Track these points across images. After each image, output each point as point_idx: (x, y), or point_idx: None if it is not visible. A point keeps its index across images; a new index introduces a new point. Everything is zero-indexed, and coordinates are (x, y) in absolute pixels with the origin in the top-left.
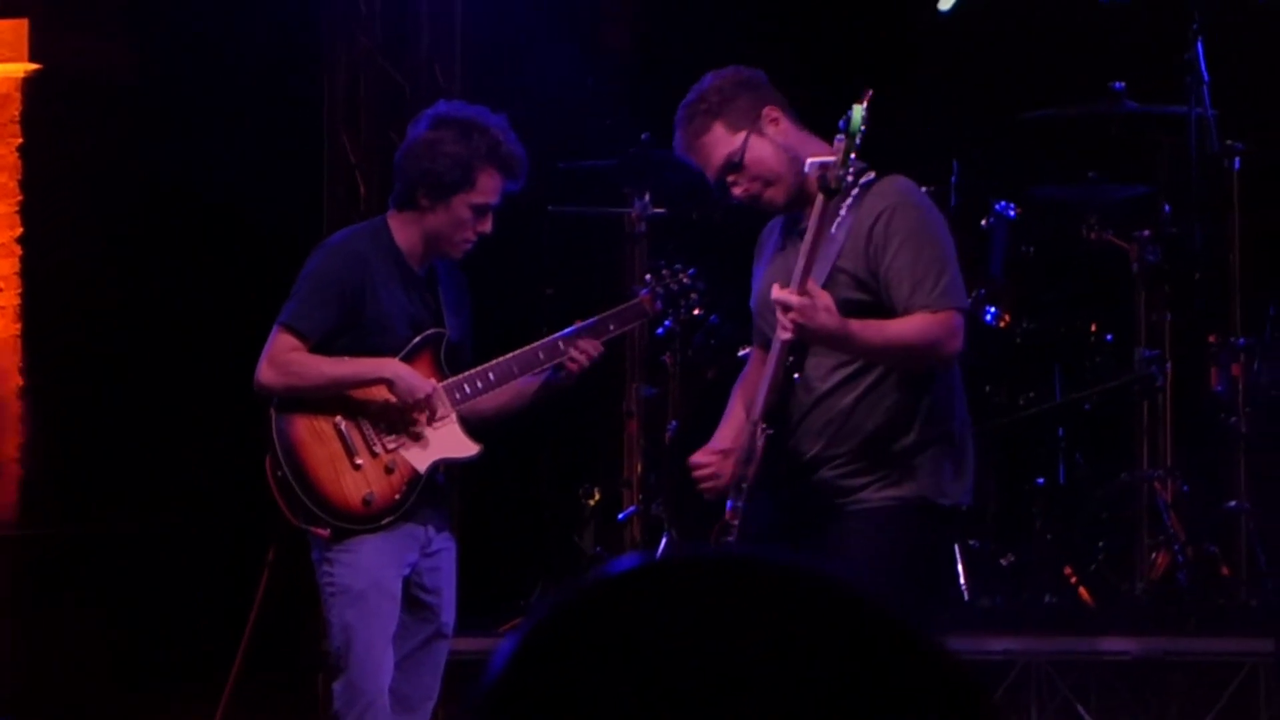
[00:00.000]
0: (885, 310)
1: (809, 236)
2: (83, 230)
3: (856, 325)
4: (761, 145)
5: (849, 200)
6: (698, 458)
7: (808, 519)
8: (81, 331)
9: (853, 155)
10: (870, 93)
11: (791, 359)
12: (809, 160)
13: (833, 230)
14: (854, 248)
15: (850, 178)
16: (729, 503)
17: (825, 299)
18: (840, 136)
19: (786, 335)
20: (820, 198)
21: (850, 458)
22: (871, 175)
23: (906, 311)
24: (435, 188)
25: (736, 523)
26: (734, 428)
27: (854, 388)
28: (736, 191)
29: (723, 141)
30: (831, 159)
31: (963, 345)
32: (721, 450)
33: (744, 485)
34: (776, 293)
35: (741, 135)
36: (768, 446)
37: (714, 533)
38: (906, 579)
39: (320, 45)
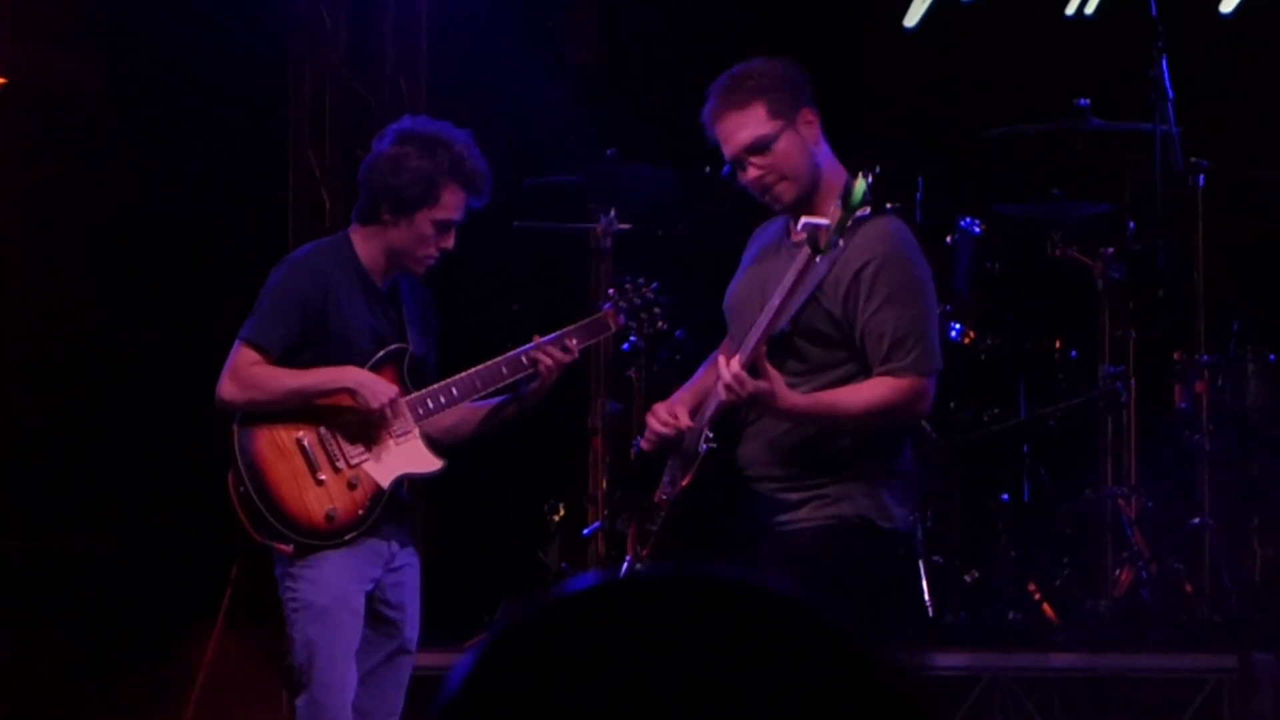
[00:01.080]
0: (851, 346)
1: (786, 284)
2: (46, 243)
3: (820, 407)
4: (793, 140)
5: (858, 215)
6: (663, 408)
7: (745, 530)
8: (45, 346)
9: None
10: (877, 169)
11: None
12: (803, 220)
13: (817, 260)
14: (835, 284)
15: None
16: (662, 488)
17: (777, 384)
18: (838, 205)
19: (724, 399)
20: (806, 251)
21: (793, 475)
22: (868, 210)
23: (878, 367)
24: (399, 203)
25: (664, 513)
26: (697, 393)
27: None
28: (752, 173)
29: (759, 122)
30: (826, 222)
31: (929, 407)
32: (684, 422)
33: (678, 483)
34: (730, 371)
35: (779, 123)
36: (707, 456)
37: (636, 515)
38: (846, 597)
39: (286, 60)
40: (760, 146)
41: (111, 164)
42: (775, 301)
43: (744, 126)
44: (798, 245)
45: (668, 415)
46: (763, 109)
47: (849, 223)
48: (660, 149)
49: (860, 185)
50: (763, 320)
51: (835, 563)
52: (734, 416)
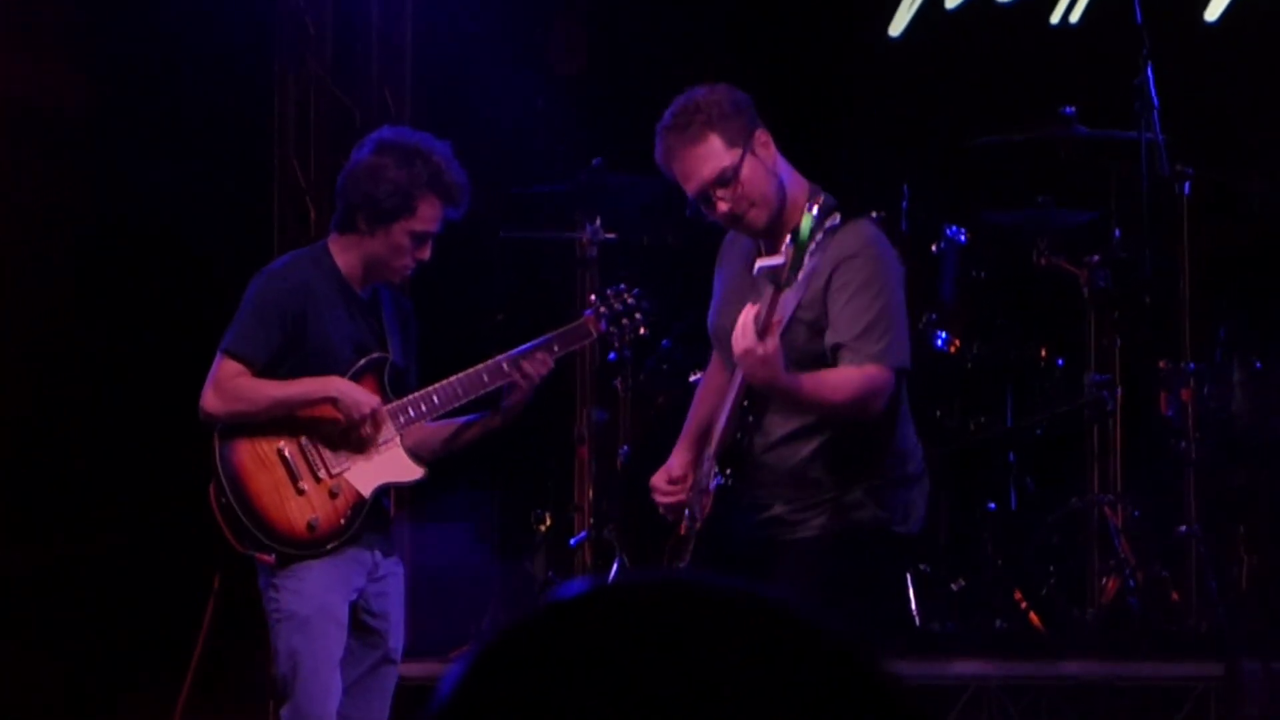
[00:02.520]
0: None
1: (765, 304)
2: (32, 254)
3: (807, 391)
4: (755, 165)
5: (812, 246)
6: (659, 481)
7: (761, 549)
8: (26, 356)
9: (804, 259)
10: (820, 199)
11: (746, 402)
12: (758, 264)
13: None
14: (814, 294)
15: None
16: (684, 522)
17: (767, 350)
18: (789, 244)
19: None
20: (770, 288)
21: (807, 493)
22: (837, 219)
23: (845, 355)
24: (376, 214)
25: (690, 546)
26: (691, 443)
27: (812, 438)
28: (722, 207)
29: (718, 154)
30: (780, 261)
31: (886, 404)
32: (682, 477)
33: (698, 512)
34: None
35: (737, 152)
36: (719, 493)
37: (666, 550)
38: (856, 603)
39: (270, 69)
40: (725, 179)
41: (97, 174)
42: (764, 309)
43: (704, 162)
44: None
45: (668, 485)
46: (718, 140)
47: (805, 256)
48: (646, 158)
49: (807, 221)
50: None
51: (849, 569)
52: (739, 449)
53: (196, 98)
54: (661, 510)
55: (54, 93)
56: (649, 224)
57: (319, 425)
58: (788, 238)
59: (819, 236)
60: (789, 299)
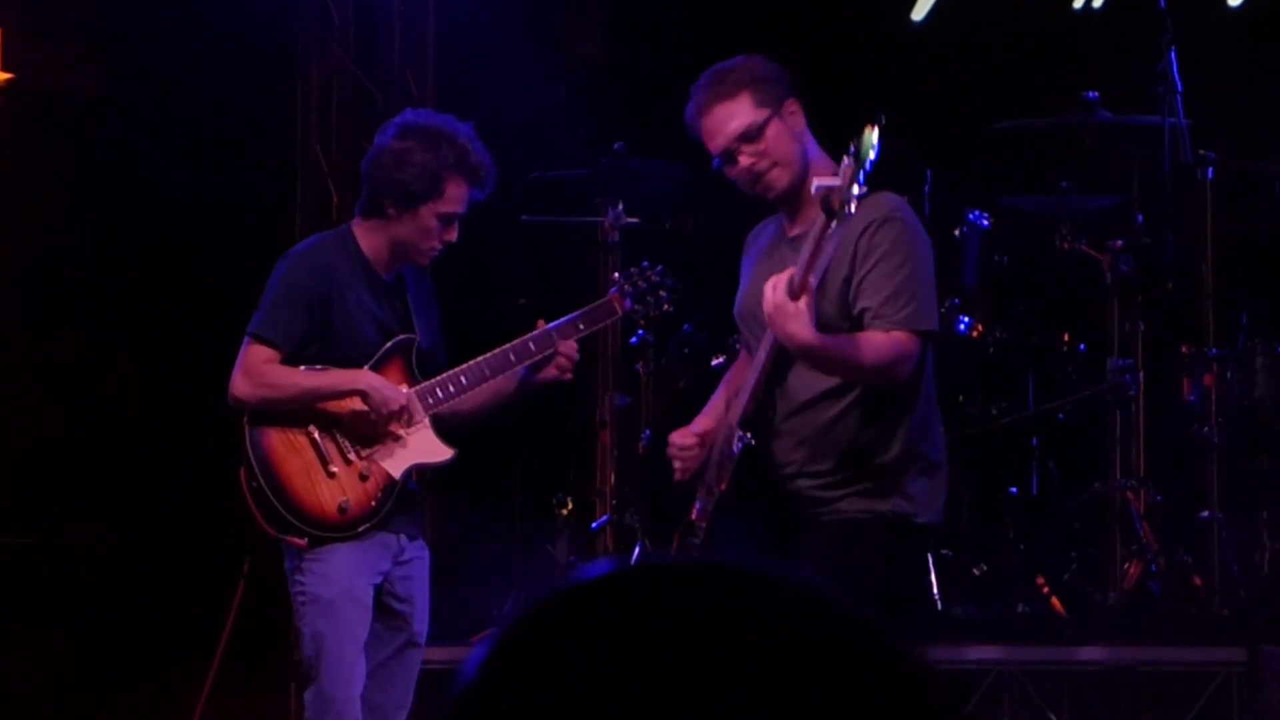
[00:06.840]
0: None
1: (808, 250)
2: (49, 239)
3: (833, 349)
4: (781, 128)
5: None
6: (677, 437)
7: (782, 526)
8: (51, 341)
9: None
10: (882, 118)
11: (773, 368)
12: (815, 182)
13: (833, 225)
14: (840, 260)
15: (854, 201)
16: (697, 504)
17: (798, 307)
18: (848, 160)
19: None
20: (822, 218)
21: (829, 471)
22: (864, 190)
23: (873, 321)
24: (403, 197)
25: (704, 525)
26: (714, 416)
27: (836, 402)
28: (743, 161)
29: (746, 111)
30: (837, 182)
31: (912, 370)
32: (701, 433)
33: (715, 490)
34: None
35: (766, 111)
36: (744, 455)
37: (678, 533)
38: (878, 590)
39: (293, 55)
40: (751, 134)
41: (118, 160)
42: (805, 258)
43: (733, 116)
44: (798, 240)
45: (681, 441)
46: (749, 98)
47: (860, 177)
48: (668, 143)
49: (868, 134)
50: (800, 270)
51: (871, 555)
52: (763, 415)
53: (219, 83)
54: (676, 470)
55: (74, 79)
56: (671, 208)
57: (350, 411)
58: (845, 158)
59: (864, 189)
60: (827, 252)
